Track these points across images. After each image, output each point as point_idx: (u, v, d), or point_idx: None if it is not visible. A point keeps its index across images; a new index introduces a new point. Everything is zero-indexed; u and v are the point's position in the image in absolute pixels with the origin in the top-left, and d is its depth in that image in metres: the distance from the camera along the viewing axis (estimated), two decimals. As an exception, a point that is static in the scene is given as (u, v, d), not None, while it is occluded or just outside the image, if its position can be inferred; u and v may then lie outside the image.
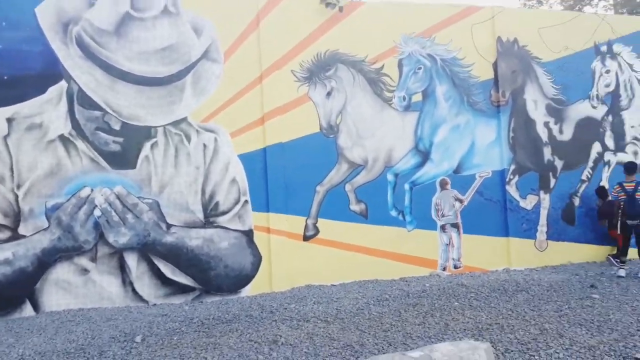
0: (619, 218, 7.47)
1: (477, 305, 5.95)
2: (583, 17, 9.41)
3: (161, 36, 7.26)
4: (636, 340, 4.44)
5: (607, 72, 9.41)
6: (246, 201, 7.41)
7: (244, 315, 5.96)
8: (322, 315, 5.79)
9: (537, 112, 8.99)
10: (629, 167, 7.54)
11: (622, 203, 7.43)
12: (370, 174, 8.10)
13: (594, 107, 9.30)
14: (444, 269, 8.33)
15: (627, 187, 7.43)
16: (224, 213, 7.30)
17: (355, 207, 7.98)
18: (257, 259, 7.43)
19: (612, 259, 8.20)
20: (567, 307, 5.67)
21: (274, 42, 7.68)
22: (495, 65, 8.79)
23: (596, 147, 9.30)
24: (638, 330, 4.69)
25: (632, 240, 7.71)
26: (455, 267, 8.41)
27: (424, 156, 8.38)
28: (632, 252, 8.66)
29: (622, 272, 7.41)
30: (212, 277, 7.18)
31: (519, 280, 7.28)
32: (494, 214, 8.66)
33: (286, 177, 7.63)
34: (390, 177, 8.19)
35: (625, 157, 9.41)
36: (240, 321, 5.71)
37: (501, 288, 6.82)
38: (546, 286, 6.85)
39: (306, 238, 7.73)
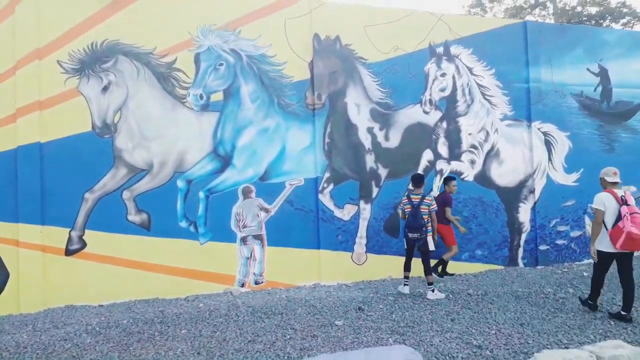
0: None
1: (174, 336, 5.16)
2: (416, 16, 8.80)
3: None
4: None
5: (443, 75, 8.84)
6: (-12, 209, 6.45)
7: None
8: None
9: (360, 116, 8.32)
10: (416, 179, 6.93)
11: (407, 215, 6.81)
12: (156, 179, 7.26)
13: (427, 113, 8.70)
14: (243, 285, 7.55)
15: (413, 200, 6.80)
16: (-43, 223, 6.32)
17: (134, 217, 7.11)
18: (3, 276, 6.47)
19: (433, 274, 7.66)
20: (281, 335, 4.93)
21: (33, 28, 6.77)
22: (311, 65, 8.08)
23: (427, 155, 8.70)
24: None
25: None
26: (257, 282, 7.64)
27: (225, 161, 7.59)
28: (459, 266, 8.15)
29: (405, 290, 6.80)
30: (-61, 297, 6.19)
31: (301, 299, 6.58)
32: (305, 224, 7.94)
33: (44, 182, 6.70)
34: (180, 183, 7.36)
35: (461, 165, 8.86)
36: None
37: (266, 310, 6.07)
38: (316, 307, 6.14)
39: (69, 252, 6.82)
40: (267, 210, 7.74)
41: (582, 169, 9.40)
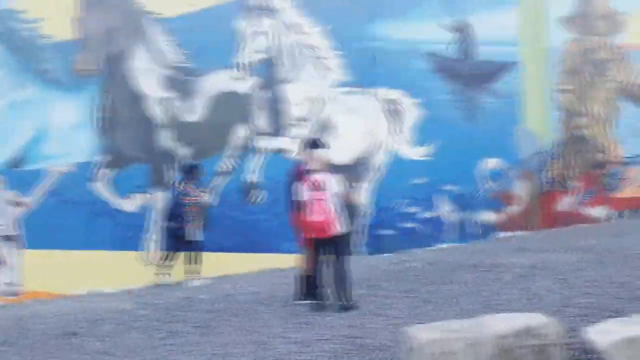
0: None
1: None
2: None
3: None
4: None
5: (260, 33, 7.40)
6: None
7: None
8: None
9: (150, 84, 6.85)
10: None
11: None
12: None
13: (238, 79, 7.29)
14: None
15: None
16: None
17: None
18: None
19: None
20: None
21: None
22: (82, 22, 6.52)
23: (240, 131, 7.33)
24: None
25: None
26: (13, 294, 6.23)
27: (-41, 145, 6.05)
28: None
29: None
30: None
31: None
32: (77, 220, 6.52)
33: None
34: None
35: (286, 142, 7.52)
36: None
37: None
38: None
39: None
40: (21, 204, 6.27)
41: (436, 142, 8.23)
